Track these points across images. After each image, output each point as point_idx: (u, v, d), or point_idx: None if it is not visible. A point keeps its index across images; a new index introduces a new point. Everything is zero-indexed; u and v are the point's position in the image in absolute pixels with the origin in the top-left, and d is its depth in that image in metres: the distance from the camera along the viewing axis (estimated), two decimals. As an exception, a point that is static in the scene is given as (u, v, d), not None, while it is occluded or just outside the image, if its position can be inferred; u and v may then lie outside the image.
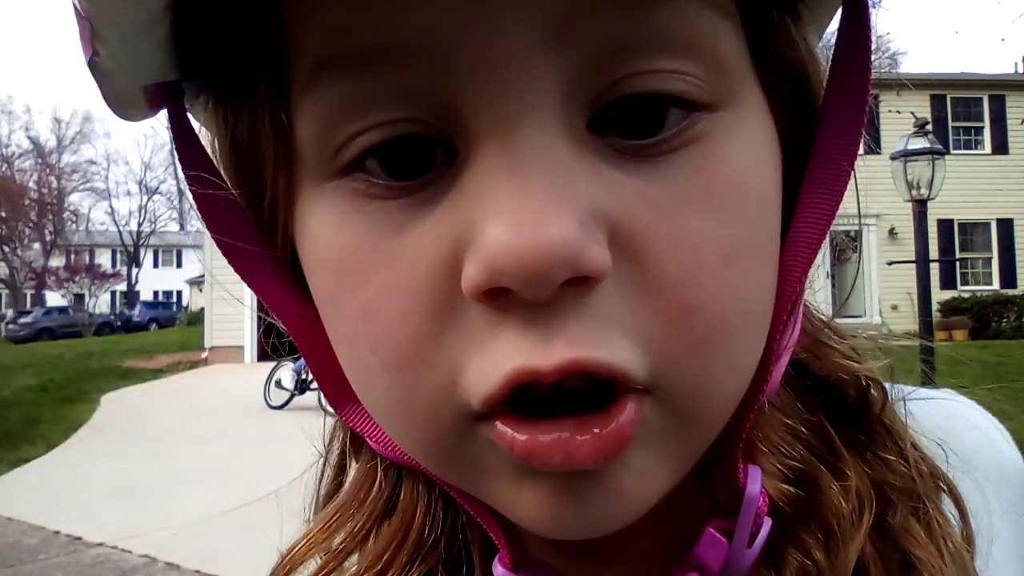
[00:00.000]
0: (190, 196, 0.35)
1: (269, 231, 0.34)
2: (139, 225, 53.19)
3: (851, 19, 0.33)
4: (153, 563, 4.31)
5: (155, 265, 55.61)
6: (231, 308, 14.25)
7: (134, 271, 51.26)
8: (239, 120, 0.32)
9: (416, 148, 0.28)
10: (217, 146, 0.34)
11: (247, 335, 14.21)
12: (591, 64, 0.27)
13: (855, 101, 0.32)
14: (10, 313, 36.57)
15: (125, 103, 0.33)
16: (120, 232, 51.68)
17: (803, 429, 0.35)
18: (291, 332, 0.36)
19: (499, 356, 0.27)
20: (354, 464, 0.41)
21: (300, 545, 0.40)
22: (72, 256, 48.04)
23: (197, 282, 41.58)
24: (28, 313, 34.34)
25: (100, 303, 44.82)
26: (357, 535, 0.38)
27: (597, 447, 0.27)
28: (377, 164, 0.29)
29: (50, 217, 45.46)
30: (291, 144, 0.31)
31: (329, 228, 0.30)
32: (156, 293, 52.37)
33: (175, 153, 0.35)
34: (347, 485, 0.41)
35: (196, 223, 55.14)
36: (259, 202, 0.33)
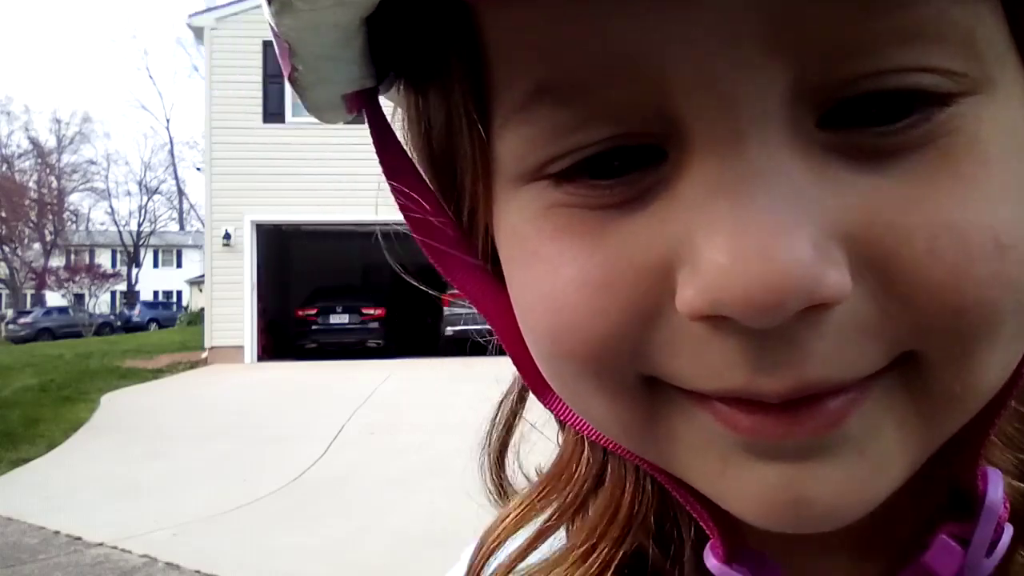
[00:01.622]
0: (387, 190, 0.36)
1: (468, 229, 0.34)
2: (139, 225, 53.19)
3: None
4: (153, 563, 4.31)
5: (155, 265, 55.60)
6: (231, 308, 14.26)
7: (134, 271, 51.25)
8: (434, 124, 0.33)
9: (625, 153, 0.27)
10: (410, 137, 0.35)
11: (247, 335, 14.21)
12: (822, 66, 0.24)
13: None
14: (10, 313, 36.59)
15: (325, 111, 0.35)
16: (120, 232, 51.66)
17: None
18: (491, 325, 0.36)
19: (716, 370, 0.26)
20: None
21: (510, 516, 0.41)
22: (72, 256, 48.04)
23: (197, 282, 41.55)
24: (28, 313, 34.35)
25: (100, 303, 44.80)
26: (568, 509, 0.38)
27: (833, 422, 0.26)
28: (583, 166, 0.28)
29: (50, 217, 45.46)
30: (490, 154, 0.31)
31: (528, 224, 0.30)
32: (156, 293, 52.38)
33: (379, 157, 0.35)
34: (553, 460, 0.42)
35: (196, 223, 55.27)
36: (454, 200, 0.34)
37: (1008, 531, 0.30)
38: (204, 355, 14.18)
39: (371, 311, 16.35)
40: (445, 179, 0.34)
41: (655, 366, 0.28)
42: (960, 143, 0.25)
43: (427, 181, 0.34)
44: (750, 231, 0.24)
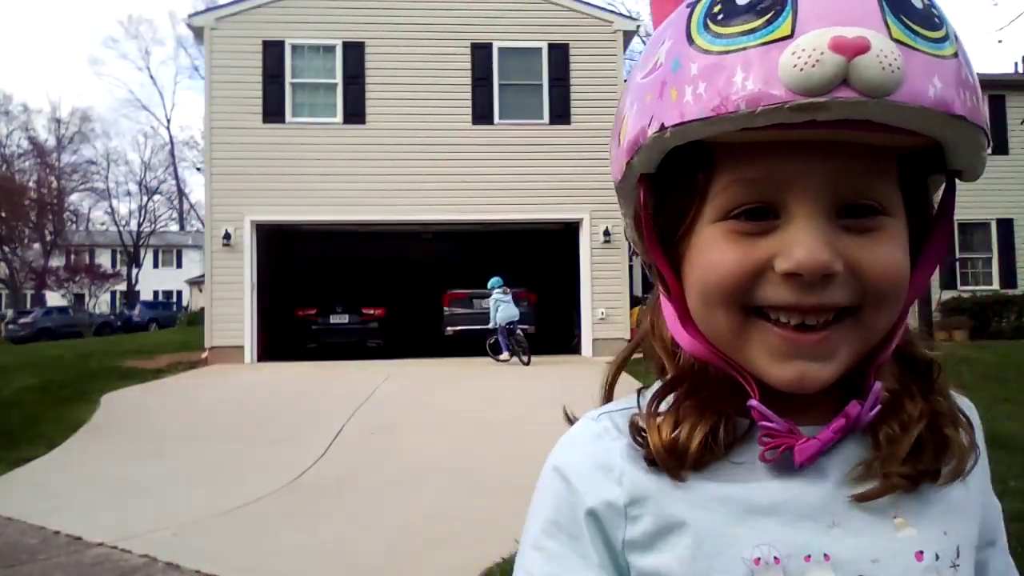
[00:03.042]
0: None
1: (669, 243, 0.66)
2: (139, 225, 53.19)
3: (949, 189, 0.65)
4: (153, 563, 4.31)
5: (155, 265, 55.58)
6: (231, 308, 14.25)
7: (134, 271, 51.23)
8: (675, 193, 0.64)
9: (760, 211, 0.60)
10: (647, 201, 0.65)
11: (247, 335, 14.21)
12: (847, 195, 0.59)
13: (947, 227, 0.66)
14: (10, 313, 36.56)
15: (626, 180, 0.65)
16: (120, 232, 51.66)
17: (898, 374, 0.66)
18: (671, 291, 0.66)
19: (785, 295, 0.59)
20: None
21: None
22: (72, 256, 48.00)
23: (197, 282, 41.53)
24: (28, 313, 34.32)
25: (100, 303, 44.79)
26: (675, 384, 0.67)
27: (822, 341, 0.59)
28: (742, 214, 0.60)
29: (50, 217, 45.43)
30: (701, 210, 0.62)
31: (716, 236, 0.61)
32: (156, 293, 52.36)
33: (642, 212, 0.66)
34: (669, 374, 0.69)
35: (196, 223, 55.25)
36: (668, 231, 0.66)
37: (878, 407, 0.62)
38: (204, 355, 14.17)
39: (371, 311, 16.35)
40: (666, 227, 0.65)
41: (755, 299, 0.60)
42: (888, 229, 0.60)
43: (652, 231, 0.66)
44: (811, 245, 0.57)
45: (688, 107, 0.56)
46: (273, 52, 14.75)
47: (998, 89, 18.23)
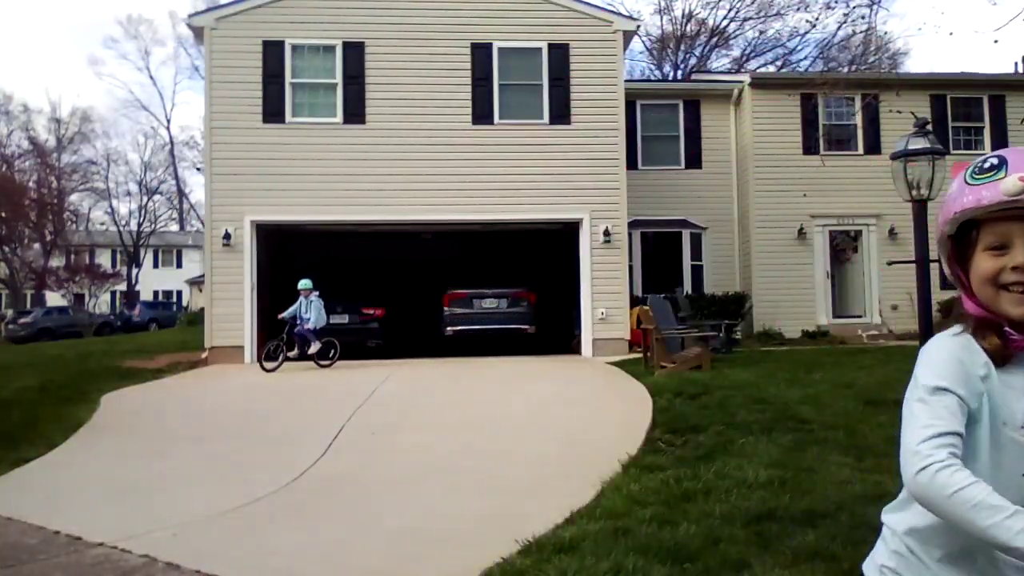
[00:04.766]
0: None
1: (963, 262, 1.42)
2: (139, 225, 53.17)
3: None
4: (153, 563, 4.31)
5: (155, 265, 55.58)
6: (231, 308, 14.24)
7: (134, 271, 51.22)
8: (963, 241, 1.43)
9: (999, 246, 1.36)
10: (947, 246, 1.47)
11: (247, 335, 14.19)
12: None
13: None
14: (10, 313, 36.55)
15: (942, 237, 1.47)
16: (120, 232, 51.63)
17: None
18: (964, 286, 1.42)
19: (1014, 277, 1.34)
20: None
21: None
22: (72, 256, 47.99)
23: (197, 282, 41.52)
24: (28, 313, 34.31)
25: (100, 303, 44.79)
26: (969, 324, 1.39)
27: None
28: (992, 248, 1.38)
29: (50, 217, 45.40)
30: (975, 248, 1.39)
31: (984, 258, 1.37)
32: (156, 293, 52.34)
33: (951, 251, 1.45)
34: (970, 325, 1.40)
35: (196, 223, 55.19)
36: (961, 259, 1.43)
37: None
38: (204, 355, 14.17)
39: (371, 311, 16.34)
40: (959, 257, 1.43)
41: (1001, 280, 1.34)
42: None
43: (954, 261, 1.45)
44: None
45: (968, 204, 1.35)
46: (273, 52, 14.74)
47: (998, 89, 18.21)
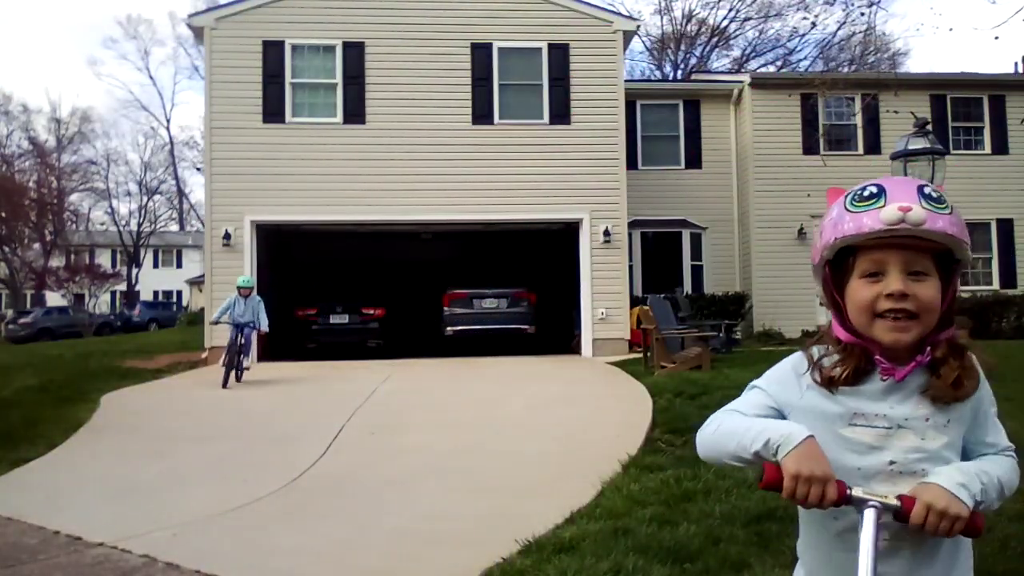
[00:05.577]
0: None
1: (840, 287, 1.47)
2: (139, 225, 53.17)
3: (956, 268, 1.44)
4: (153, 563, 4.31)
5: (155, 265, 55.59)
6: (231, 308, 14.23)
7: (134, 271, 51.22)
8: (840, 268, 1.47)
9: (874, 273, 1.42)
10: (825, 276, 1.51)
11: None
12: (910, 264, 1.41)
13: (954, 283, 1.44)
14: (10, 313, 36.55)
15: (818, 264, 1.51)
16: (120, 232, 51.63)
17: (947, 349, 1.43)
18: (839, 309, 1.47)
19: (888, 305, 1.38)
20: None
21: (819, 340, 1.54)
22: (72, 256, 47.98)
23: (197, 282, 41.54)
24: (28, 313, 34.32)
25: (100, 303, 44.78)
26: (832, 349, 1.48)
27: (907, 327, 1.40)
28: (868, 275, 1.43)
29: (50, 217, 45.41)
30: (851, 275, 1.44)
31: (859, 285, 1.42)
32: (156, 293, 52.34)
33: (827, 277, 1.49)
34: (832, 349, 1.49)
35: (196, 223, 55.23)
36: (837, 285, 1.48)
37: (929, 355, 1.42)
38: (204, 355, 14.16)
39: (371, 311, 16.35)
40: (836, 283, 1.47)
41: (876, 309, 1.39)
42: (928, 280, 1.42)
43: (831, 286, 1.49)
44: (897, 284, 1.39)
45: (848, 231, 1.40)
46: (273, 52, 14.75)
47: (998, 89, 18.22)
